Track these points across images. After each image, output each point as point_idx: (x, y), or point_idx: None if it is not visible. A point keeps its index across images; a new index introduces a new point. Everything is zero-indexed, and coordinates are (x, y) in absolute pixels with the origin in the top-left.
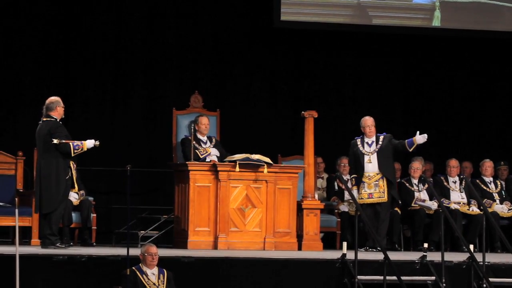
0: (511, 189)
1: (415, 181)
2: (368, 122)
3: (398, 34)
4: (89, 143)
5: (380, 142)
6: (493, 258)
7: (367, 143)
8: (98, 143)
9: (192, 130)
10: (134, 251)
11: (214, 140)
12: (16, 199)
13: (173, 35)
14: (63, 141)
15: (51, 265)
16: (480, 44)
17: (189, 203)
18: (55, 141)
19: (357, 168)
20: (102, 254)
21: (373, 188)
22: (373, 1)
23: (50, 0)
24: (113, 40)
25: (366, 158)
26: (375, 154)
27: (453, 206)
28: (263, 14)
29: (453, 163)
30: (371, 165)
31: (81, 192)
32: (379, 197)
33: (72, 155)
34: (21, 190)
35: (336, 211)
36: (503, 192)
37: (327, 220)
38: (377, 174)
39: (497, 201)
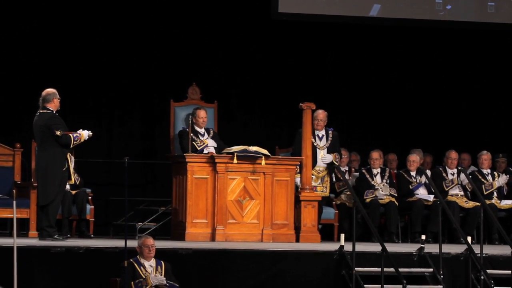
0: (511, 181)
1: (413, 172)
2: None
3: (397, 26)
4: (86, 134)
5: (330, 138)
6: (490, 250)
7: (317, 136)
8: (91, 133)
9: (190, 122)
10: (132, 243)
11: (212, 132)
12: (14, 191)
13: (170, 26)
14: (64, 133)
15: (49, 257)
16: (479, 36)
17: (186, 195)
18: (57, 132)
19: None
20: (99, 246)
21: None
22: None
23: None
24: (110, 32)
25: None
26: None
27: (452, 193)
28: (260, 6)
29: (453, 155)
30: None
31: (79, 179)
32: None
33: (71, 146)
34: (19, 182)
35: (334, 203)
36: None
37: (325, 212)
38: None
39: (495, 193)
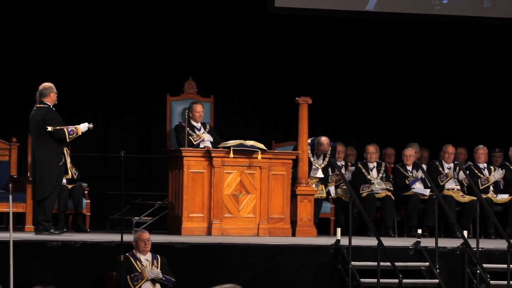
0: (508, 176)
1: (409, 167)
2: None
3: (393, 21)
4: (83, 127)
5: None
6: (486, 244)
7: (316, 154)
8: (92, 125)
9: (186, 117)
10: (128, 237)
11: (208, 126)
12: (10, 185)
13: (167, 21)
14: (57, 127)
15: (45, 251)
16: (476, 30)
17: (183, 189)
18: (49, 128)
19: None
20: (96, 240)
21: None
22: None
23: None
24: (106, 26)
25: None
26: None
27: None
28: (256, 0)
29: (450, 149)
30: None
31: (76, 173)
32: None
33: (68, 140)
34: (15, 176)
35: (330, 197)
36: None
37: None
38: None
39: (491, 188)
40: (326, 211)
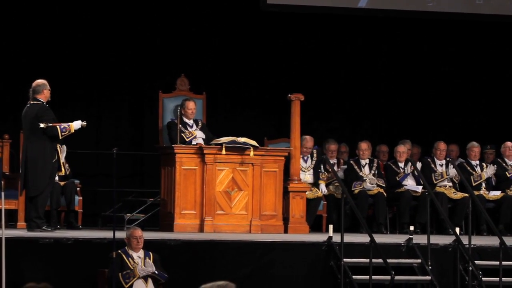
0: (499, 173)
1: (401, 164)
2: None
3: (386, 17)
4: (76, 124)
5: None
6: (479, 240)
7: (303, 158)
8: (85, 123)
9: (179, 114)
10: (120, 234)
11: (200, 123)
12: (2, 182)
13: (159, 17)
14: (50, 124)
15: (37, 248)
16: (468, 27)
17: (175, 186)
18: (42, 125)
19: None
20: (88, 237)
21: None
22: None
23: None
24: (99, 22)
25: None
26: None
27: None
28: None
29: (442, 146)
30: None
31: (68, 170)
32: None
33: (60, 137)
34: (7, 173)
35: (322, 194)
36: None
37: None
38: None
39: (483, 184)
40: (319, 208)
